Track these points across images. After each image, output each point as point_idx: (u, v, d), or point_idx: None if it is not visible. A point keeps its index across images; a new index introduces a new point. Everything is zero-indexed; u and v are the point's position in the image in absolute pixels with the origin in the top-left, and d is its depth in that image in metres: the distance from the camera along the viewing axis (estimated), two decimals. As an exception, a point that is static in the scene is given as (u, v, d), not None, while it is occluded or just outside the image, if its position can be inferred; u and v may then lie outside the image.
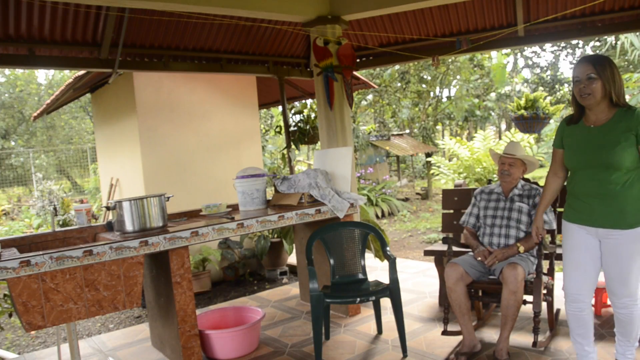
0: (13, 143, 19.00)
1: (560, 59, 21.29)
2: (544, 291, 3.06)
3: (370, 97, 16.42)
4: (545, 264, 3.23)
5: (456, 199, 4.14)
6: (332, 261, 3.54)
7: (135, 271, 2.76)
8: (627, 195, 2.30)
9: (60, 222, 6.43)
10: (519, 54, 19.49)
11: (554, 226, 3.24)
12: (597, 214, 2.38)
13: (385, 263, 5.14)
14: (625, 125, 2.28)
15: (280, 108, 7.63)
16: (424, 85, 15.74)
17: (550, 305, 3.25)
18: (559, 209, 3.62)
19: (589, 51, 17.63)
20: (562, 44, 17.70)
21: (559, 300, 3.89)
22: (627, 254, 2.33)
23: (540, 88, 18.86)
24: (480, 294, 3.30)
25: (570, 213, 2.52)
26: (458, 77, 15.34)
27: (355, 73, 5.85)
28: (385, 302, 3.88)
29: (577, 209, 2.47)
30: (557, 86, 19.20)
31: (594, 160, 2.35)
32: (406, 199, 13.06)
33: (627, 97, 8.08)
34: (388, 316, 3.75)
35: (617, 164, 2.27)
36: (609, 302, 3.65)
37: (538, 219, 2.78)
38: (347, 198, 3.78)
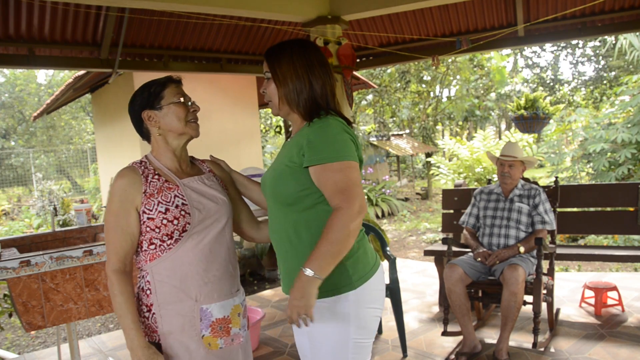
0: (13, 143, 19.01)
1: (560, 59, 21.30)
2: (544, 291, 3.07)
3: (370, 97, 16.43)
4: (545, 265, 3.23)
5: (456, 199, 4.14)
6: (332, 261, 3.53)
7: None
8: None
9: (60, 222, 6.43)
10: (519, 54, 19.50)
11: (554, 226, 3.24)
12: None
13: (385, 263, 5.13)
14: (296, 141, 1.52)
15: (280, 108, 7.63)
16: (424, 85, 15.74)
17: (550, 305, 3.25)
18: (558, 209, 3.63)
19: (588, 51, 17.64)
20: (562, 44, 17.71)
21: (559, 301, 3.90)
22: None
23: (540, 88, 18.88)
24: (480, 294, 3.30)
25: None
26: (458, 77, 15.34)
27: (355, 73, 5.84)
28: (385, 302, 3.87)
29: None
30: (557, 86, 19.22)
31: (264, 188, 1.67)
32: (406, 199, 13.06)
33: (626, 98, 8.02)
34: (388, 316, 3.75)
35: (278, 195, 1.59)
36: (609, 302, 3.65)
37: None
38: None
